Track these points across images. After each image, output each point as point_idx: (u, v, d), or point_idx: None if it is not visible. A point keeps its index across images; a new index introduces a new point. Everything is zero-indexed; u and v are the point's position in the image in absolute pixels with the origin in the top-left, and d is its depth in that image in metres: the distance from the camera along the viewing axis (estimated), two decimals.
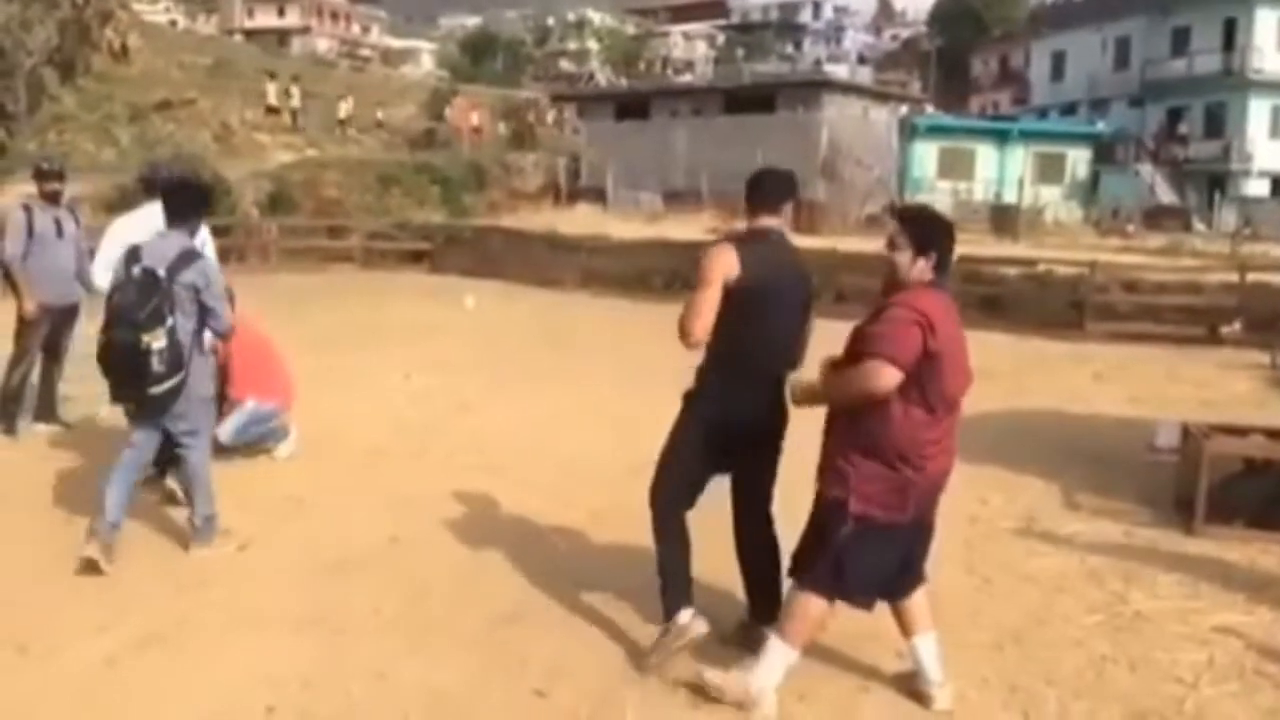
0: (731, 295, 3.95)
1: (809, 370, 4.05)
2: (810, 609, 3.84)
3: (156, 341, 4.81)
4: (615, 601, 4.79)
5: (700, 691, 3.90)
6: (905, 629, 3.99)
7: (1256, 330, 13.85)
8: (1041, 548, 5.81)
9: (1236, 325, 14.34)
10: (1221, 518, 6.05)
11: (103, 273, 6.16)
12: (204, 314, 5.04)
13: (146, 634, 4.35)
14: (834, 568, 3.76)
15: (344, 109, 36.77)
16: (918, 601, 3.98)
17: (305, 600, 4.74)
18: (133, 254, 5.00)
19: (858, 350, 3.73)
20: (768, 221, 4.16)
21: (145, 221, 6.18)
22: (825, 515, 3.81)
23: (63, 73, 26.42)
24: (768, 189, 4.19)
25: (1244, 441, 6.43)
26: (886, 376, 3.59)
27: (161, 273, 4.89)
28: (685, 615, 4.08)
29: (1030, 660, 4.35)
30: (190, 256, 5.03)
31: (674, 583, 4.17)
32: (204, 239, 6.24)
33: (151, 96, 33.14)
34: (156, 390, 4.89)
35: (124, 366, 4.83)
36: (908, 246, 3.74)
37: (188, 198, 5.28)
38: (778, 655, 3.84)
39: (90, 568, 4.90)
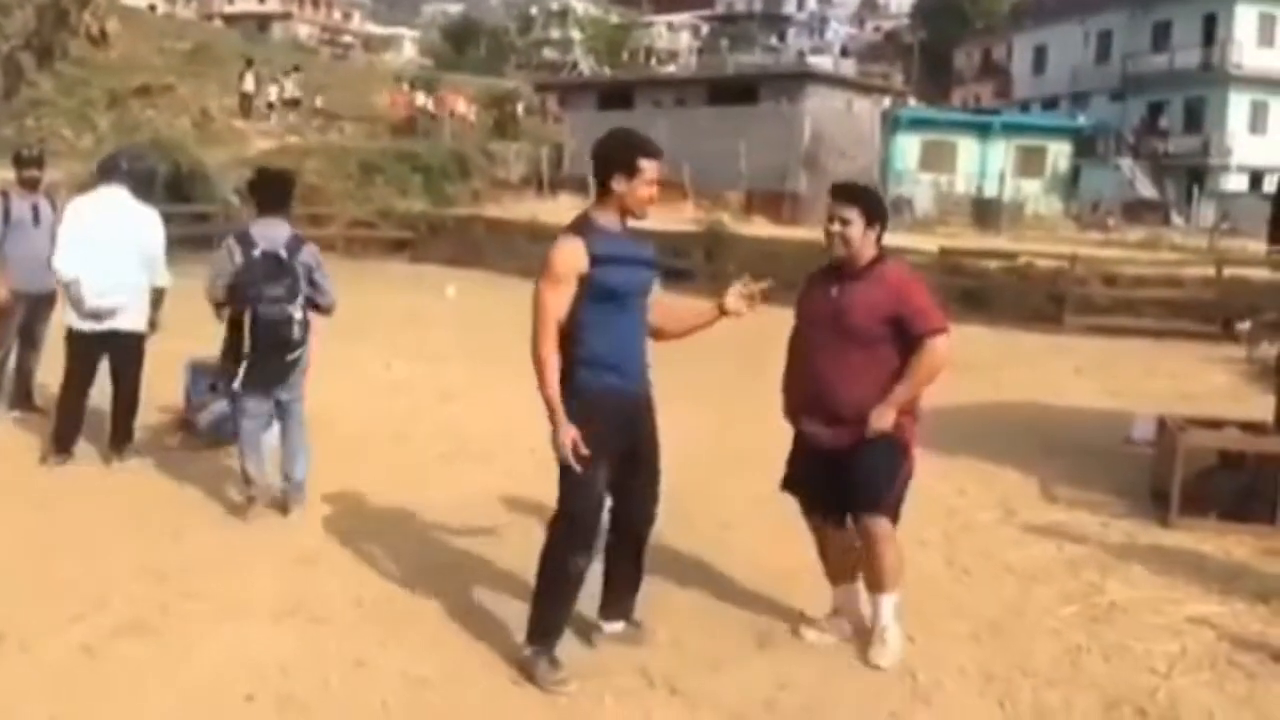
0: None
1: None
2: (890, 544, 4.12)
3: (297, 313, 5.51)
4: (589, 591, 4.79)
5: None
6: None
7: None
8: (1019, 539, 5.86)
9: (1248, 323, 14.35)
10: (1196, 510, 6.12)
11: (62, 256, 6.17)
12: (313, 291, 5.64)
13: (125, 623, 4.33)
14: (898, 496, 4.12)
15: (289, 87, 33.79)
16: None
17: (285, 589, 4.73)
18: (246, 239, 5.50)
19: (887, 332, 4.00)
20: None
21: (102, 205, 6.22)
22: (878, 454, 4.04)
23: (40, 58, 26.12)
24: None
25: (1219, 434, 6.49)
26: (948, 344, 4.02)
27: (284, 254, 5.48)
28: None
29: (1007, 650, 4.39)
30: (300, 240, 5.65)
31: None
32: (155, 221, 6.57)
33: (130, 82, 32.79)
34: (292, 357, 5.55)
35: (272, 338, 5.45)
36: (860, 219, 4.00)
37: (280, 189, 5.80)
38: (890, 605, 4.20)
39: (246, 506, 5.67)
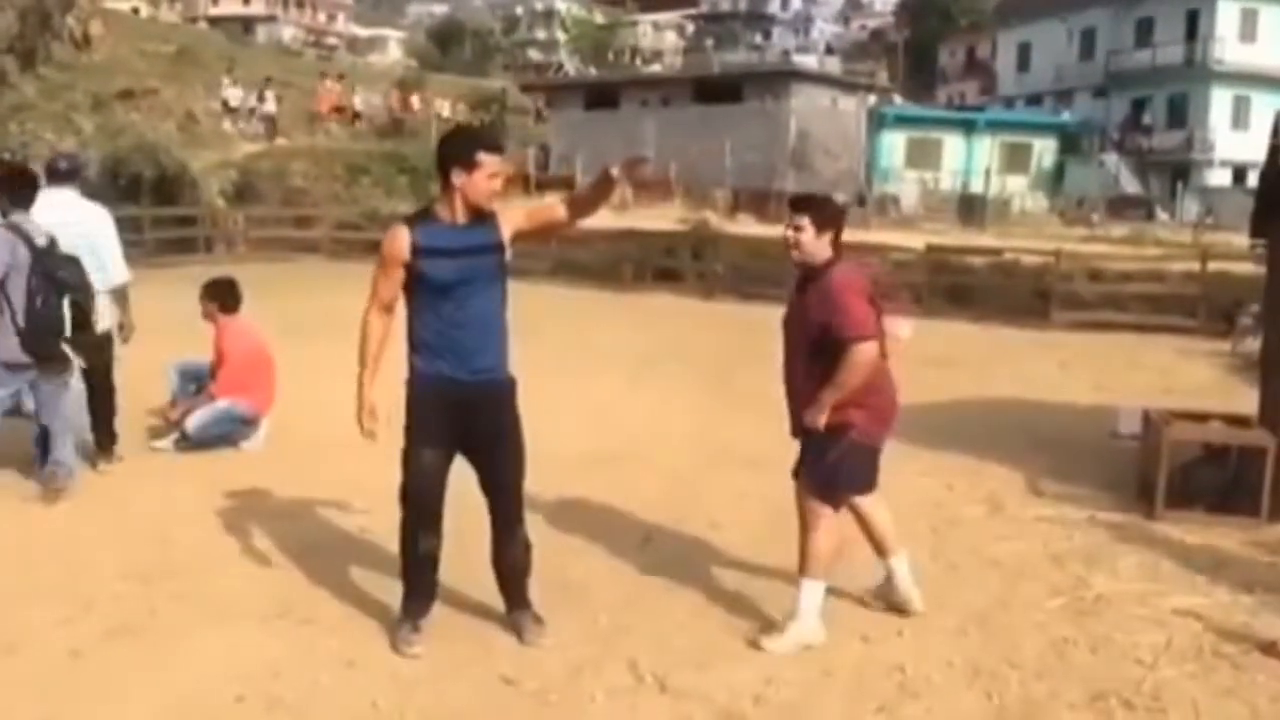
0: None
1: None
2: (820, 532, 4.30)
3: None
4: (579, 589, 4.81)
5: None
6: (880, 550, 4.59)
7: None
8: (1006, 532, 5.89)
9: (1248, 318, 14.33)
10: (1182, 502, 6.15)
11: None
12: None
13: (113, 626, 4.33)
14: (828, 478, 4.30)
15: (269, 100, 32.47)
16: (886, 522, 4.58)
17: (273, 591, 4.73)
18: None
19: (826, 338, 4.14)
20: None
21: (55, 208, 6.25)
22: (824, 443, 4.24)
23: (23, 61, 25.95)
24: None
25: (1203, 427, 6.53)
26: (870, 351, 4.11)
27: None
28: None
29: (994, 643, 4.41)
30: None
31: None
32: (106, 218, 6.58)
33: (114, 85, 32.60)
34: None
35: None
36: (810, 226, 4.24)
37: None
38: (808, 591, 4.30)
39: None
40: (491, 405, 4.16)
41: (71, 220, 6.35)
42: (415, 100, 37.80)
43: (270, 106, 32.62)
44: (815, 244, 4.26)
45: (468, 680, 3.96)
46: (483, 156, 3.98)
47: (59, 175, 6.49)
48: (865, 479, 4.45)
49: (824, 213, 4.31)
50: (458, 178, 3.98)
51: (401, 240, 4.00)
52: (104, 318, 6.46)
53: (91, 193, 7.27)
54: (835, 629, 4.34)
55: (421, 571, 4.26)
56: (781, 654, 4.18)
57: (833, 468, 4.27)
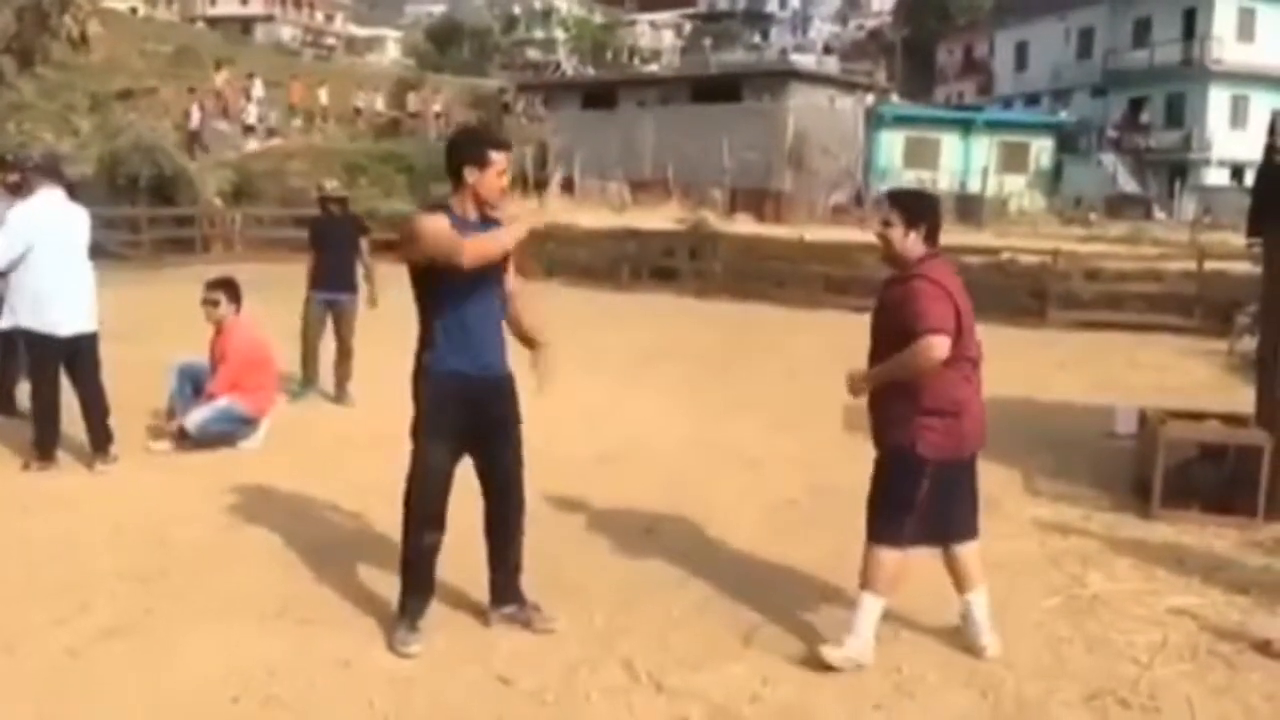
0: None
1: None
2: (884, 559, 4.13)
3: None
4: (575, 589, 4.82)
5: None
6: (959, 584, 4.31)
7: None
8: (1002, 532, 5.88)
9: (1246, 318, 14.30)
10: (1178, 502, 6.16)
11: (9, 257, 6.17)
12: None
13: (110, 625, 4.33)
14: (900, 514, 4.09)
15: (252, 112, 31.52)
16: (971, 557, 4.31)
17: (270, 591, 4.73)
18: None
19: (900, 330, 3.97)
20: None
21: (53, 207, 6.33)
22: (888, 461, 4.12)
23: (21, 61, 25.96)
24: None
25: (1199, 427, 6.54)
26: (940, 346, 3.92)
27: None
28: None
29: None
30: None
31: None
32: (87, 221, 6.57)
33: (112, 85, 32.66)
34: None
35: None
36: (899, 222, 4.07)
37: None
38: (870, 608, 4.13)
39: None
40: (499, 399, 4.25)
41: (72, 223, 6.37)
42: (421, 100, 37.69)
43: (254, 116, 32.19)
44: (904, 242, 4.10)
45: (464, 680, 3.97)
46: (493, 154, 4.09)
47: (57, 175, 6.48)
48: (948, 520, 4.20)
49: (914, 209, 4.14)
50: (470, 175, 4.07)
51: (445, 220, 4.02)
52: (90, 318, 6.46)
53: (88, 193, 7.27)
54: (829, 629, 4.35)
55: (422, 569, 4.29)
56: (832, 661, 4.04)
57: (906, 504, 4.06)
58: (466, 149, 4.12)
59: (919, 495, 4.06)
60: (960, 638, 4.38)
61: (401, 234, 4.11)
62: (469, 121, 38.54)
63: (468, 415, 4.16)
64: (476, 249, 3.95)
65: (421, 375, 4.15)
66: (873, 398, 4.17)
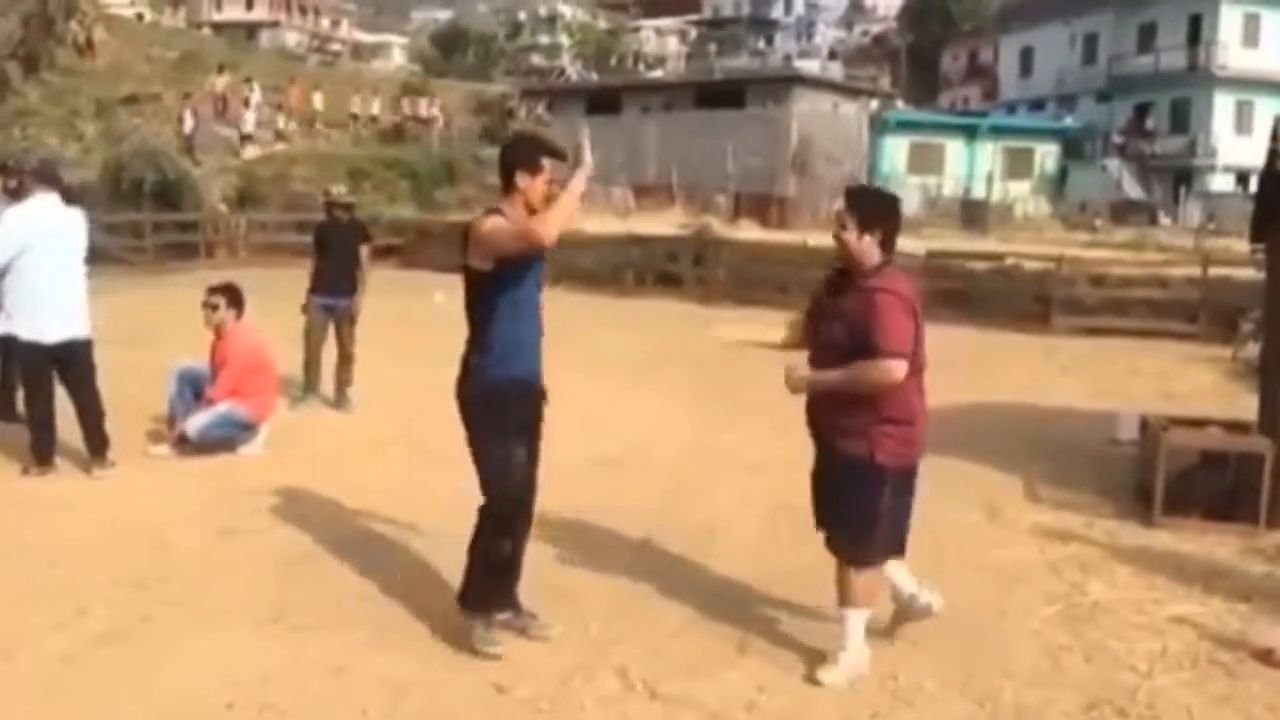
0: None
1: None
2: (860, 578, 4.09)
3: None
4: (570, 596, 4.80)
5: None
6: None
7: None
8: (1002, 539, 5.87)
9: (1250, 324, 14.24)
10: (1179, 509, 6.13)
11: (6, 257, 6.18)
12: None
13: (106, 631, 4.33)
14: (870, 529, 4.03)
15: (249, 120, 30.24)
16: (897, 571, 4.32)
17: (265, 597, 4.72)
18: None
19: (857, 341, 3.88)
20: None
21: (51, 212, 6.33)
22: (849, 473, 4.04)
23: (26, 67, 26.08)
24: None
25: (1201, 434, 6.51)
26: (898, 371, 3.86)
27: None
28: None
29: (988, 650, 4.39)
30: None
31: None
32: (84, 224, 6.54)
33: (117, 91, 32.68)
34: None
35: None
36: (853, 225, 3.95)
37: None
38: (856, 623, 4.10)
39: None
40: (538, 407, 4.35)
41: (68, 228, 6.37)
42: (427, 106, 37.69)
43: (250, 123, 31.76)
44: (858, 245, 3.95)
45: (458, 687, 3.95)
46: (546, 162, 4.18)
47: (54, 180, 6.48)
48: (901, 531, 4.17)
49: (869, 211, 3.97)
50: (522, 180, 4.14)
51: (503, 220, 4.07)
52: (81, 324, 6.45)
53: (92, 198, 7.28)
54: (826, 637, 4.33)
55: (507, 570, 4.35)
56: (831, 684, 4.00)
57: (878, 517, 4.00)
58: (521, 154, 4.20)
59: (883, 505, 4.01)
60: (959, 642, 4.36)
61: (468, 240, 4.12)
62: (472, 127, 38.71)
63: (518, 416, 4.23)
64: (555, 219, 3.98)
65: (475, 379, 4.19)
66: (821, 404, 4.11)
